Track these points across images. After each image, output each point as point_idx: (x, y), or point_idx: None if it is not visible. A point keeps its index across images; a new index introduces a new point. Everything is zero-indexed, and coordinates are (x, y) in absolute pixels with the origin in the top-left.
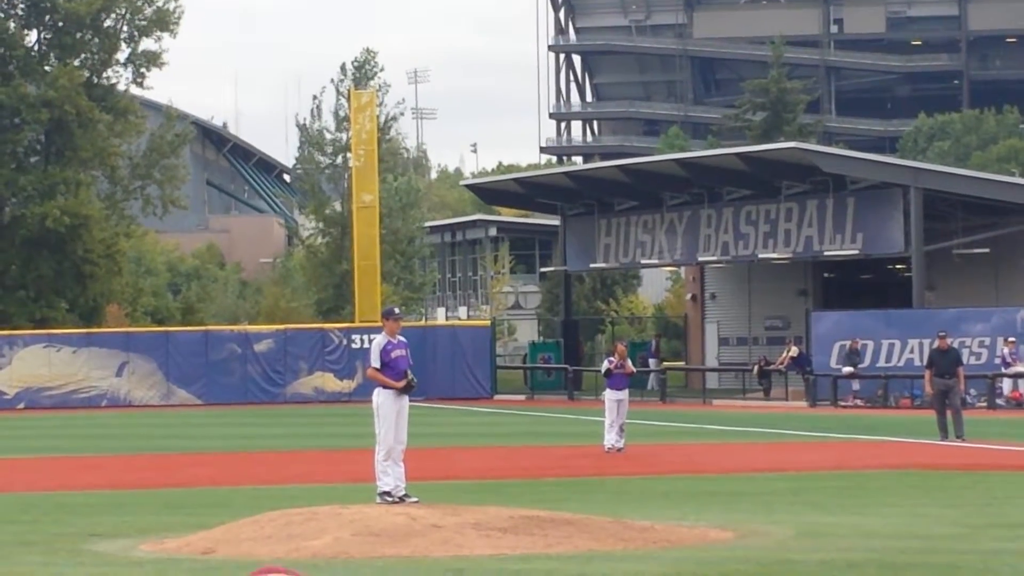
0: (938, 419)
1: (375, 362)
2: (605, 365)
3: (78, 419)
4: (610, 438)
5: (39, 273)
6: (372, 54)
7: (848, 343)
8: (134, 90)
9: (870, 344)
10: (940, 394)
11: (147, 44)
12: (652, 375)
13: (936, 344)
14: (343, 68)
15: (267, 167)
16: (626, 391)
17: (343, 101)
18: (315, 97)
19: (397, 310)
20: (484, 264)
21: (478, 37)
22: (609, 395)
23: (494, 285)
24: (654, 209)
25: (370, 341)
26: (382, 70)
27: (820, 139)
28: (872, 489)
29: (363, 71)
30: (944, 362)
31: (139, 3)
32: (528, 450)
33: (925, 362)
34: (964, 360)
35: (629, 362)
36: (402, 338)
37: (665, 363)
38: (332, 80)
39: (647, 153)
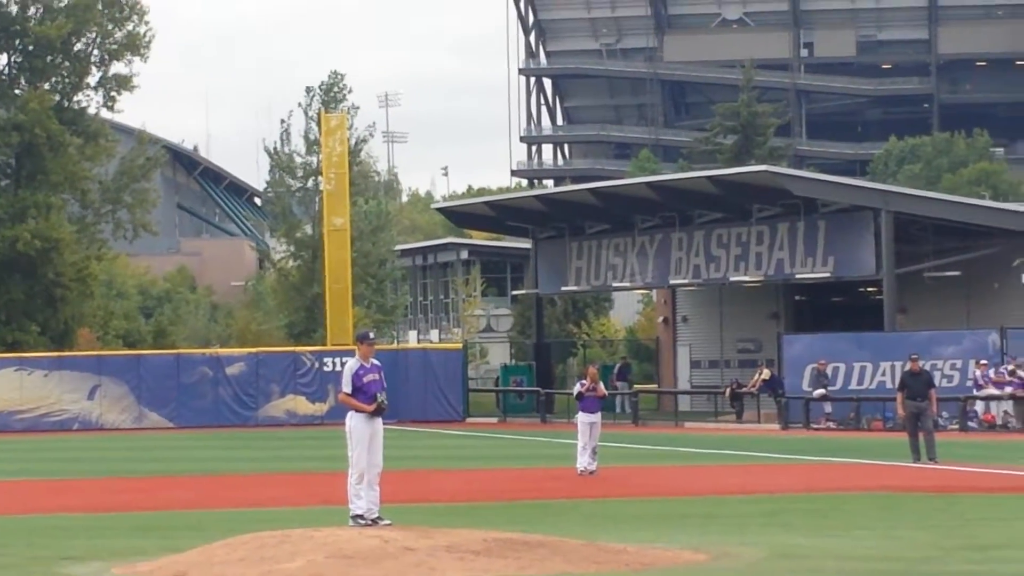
0: (910, 441)
1: (346, 387)
2: (577, 388)
3: (50, 443)
4: (583, 461)
5: (10, 296)
6: (339, 76)
7: (814, 366)
8: (105, 114)
9: (842, 367)
10: (912, 416)
11: (118, 68)
12: (622, 398)
13: (908, 367)
14: (309, 91)
15: (238, 190)
16: (598, 414)
17: (312, 125)
18: (283, 121)
19: (372, 334)
20: (456, 287)
21: (449, 60)
22: (581, 418)
23: (466, 308)
24: (625, 232)
25: (342, 364)
26: (350, 92)
27: (791, 162)
28: (845, 511)
29: (331, 94)
30: (916, 385)
31: (110, 27)
32: (501, 473)
33: (897, 384)
34: (936, 382)
35: (601, 385)
36: (376, 362)
37: (637, 386)
38: (300, 104)
39: (618, 176)
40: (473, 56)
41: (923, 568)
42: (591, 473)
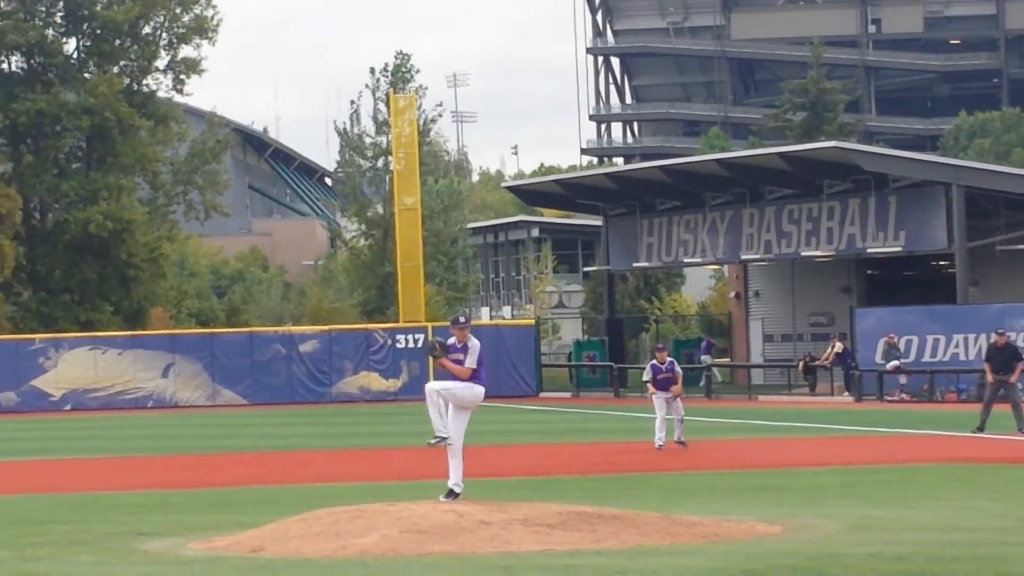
0: (983, 411)
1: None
2: (648, 374)
3: (124, 420)
4: (659, 436)
5: (83, 277)
6: (406, 57)
7: (884, 339)
8: (175, 97)
9: (915, 339)
10: (994, 388)
11: (186, 51)
12: (714, 369)
13: (994, 340)
14: (373, 72)
15: (308, 171)
16: (671, 391)
17: (381, 105)
18: (352, 102)
19: (462, 318)
20: (527, 264)
21: (516, 40)
22: (658, 395)
23: (537, 285)
24: (696, 209)
25: (415, 341)
26: (418, 72)
27: (860, 138)
28: (919, 483)
29: (399, 74)
30: (1001, 358)
31: (177, 11)
32: (574, 447)
33: (984, 356)
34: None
35: (677, 368)
36: (472, 342)
37: (709, 360)
38: (367, 85)
39: (688, 154)
40: (540, 35)
41: (998, 538)
42: (682, 444)
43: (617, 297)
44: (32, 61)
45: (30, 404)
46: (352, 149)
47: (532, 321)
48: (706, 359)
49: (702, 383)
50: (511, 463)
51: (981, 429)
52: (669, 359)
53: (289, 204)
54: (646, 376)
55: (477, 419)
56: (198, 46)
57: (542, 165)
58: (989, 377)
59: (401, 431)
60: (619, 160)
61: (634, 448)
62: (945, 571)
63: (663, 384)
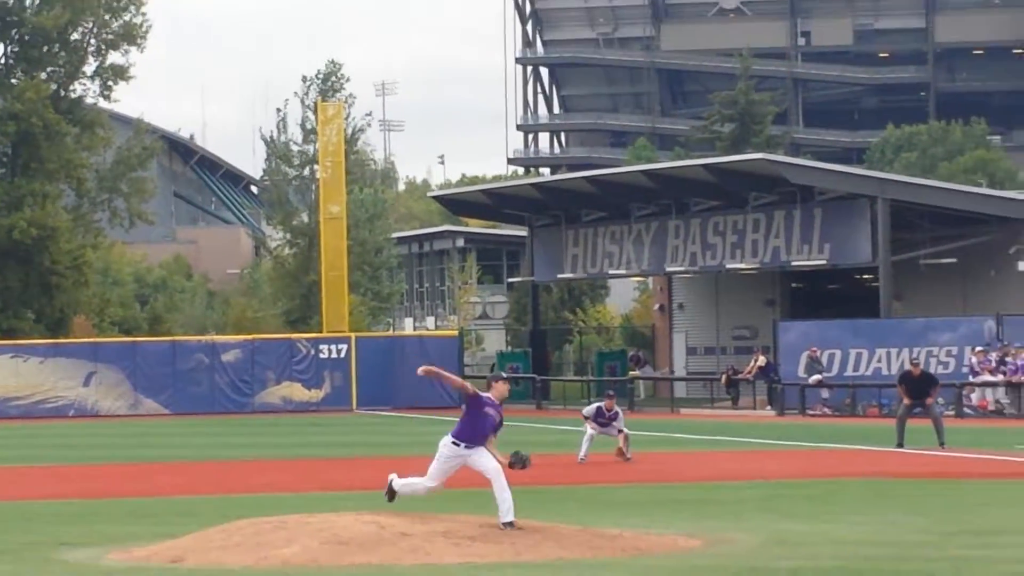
0: (898, 426)
1: (471, 388)
2: (591, 411)
3: (45, 429)
4: (584, 450)
5: (6, 284)
6: (337, 66)
7: (807, 352)
8: (101, 103)
9: (838, 353)
10: (908, 408)
11: (114, 58)
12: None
13: (908, 369)
14: (306, 80)
15: (234, 178)
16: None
17: (309, 114)
18: (279, 110)
19: (505, 375)
20: (451, 275)
21: (446, 49)
22: (591, 426)
23: (461, 295)
24: (622, 220)
25: (337, 351)
26: (348, 81)
27: (788, 150)
28: (841, 497)
29: (328, 83)
30: (917, 388)
31: (106, 17)
32: None
33: (898, 379)
34: (932, 369)
35: (621, 420)
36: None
37: (632, 373)
38: (296, 93)
39: (614, 164)
40: (470, 45)
41: (920, 553)
42: (627, 459)
43: (541, 308)
44: None
45: None
46: (278, 157)
47: (456, 332)
48: (646, 370)
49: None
50: None
51: (901, 445)
52: (616, 409)
53: (214, 212)
54: (587, 413)
55: (399, 431)
56: (126, 52)
57: (465, 175)
58: (906, 399)
59: (323, 442)
60: (546, 170)
61: (556, 461)
62: None
63: (602, 424)
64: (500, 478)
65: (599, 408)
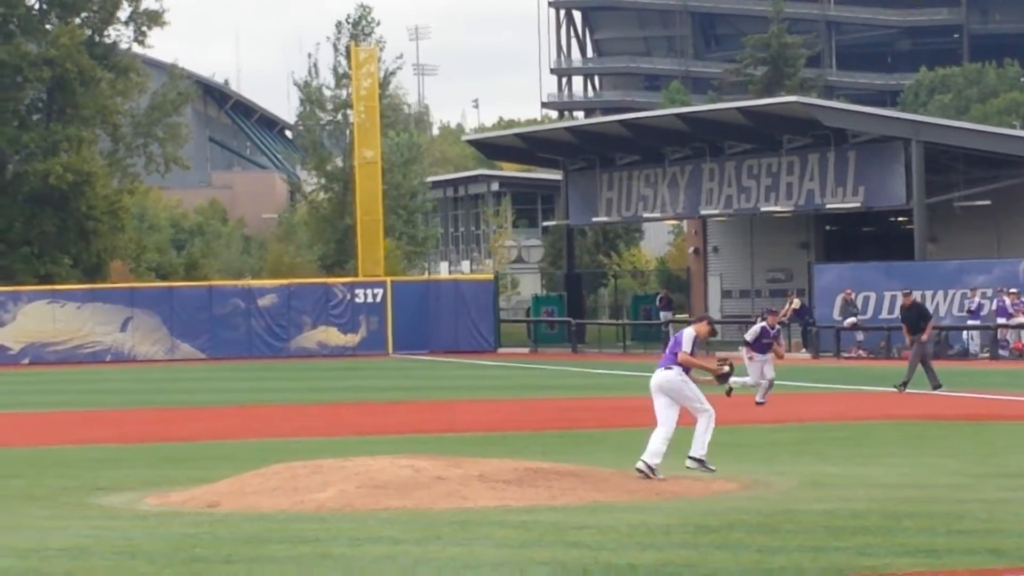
0: (925, 367)
1: (687, 347)
2: (754, 334)
3: (83, 374)
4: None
5: (42, 230)
6: (367, 10)
7: (842, 295)
8: (136, 49)
9: (872, 296)
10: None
11: (148, 2)
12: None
13: (901, 301)
14: (338, 25)
15: (269, 123)
16: (769, 354)
17: (341, 58)
18: (310, 55)
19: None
20: (486, 219)
21: None
22: (756, 356)
23: (496, 239)
24: (656, 163)
25: (373, 296)
26: (379, 24)
27: (821, 93)
28: (875, 440)
29: (360, 27)
30: (909, 318)
31: None
32: (532, 403)
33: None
34: (965, 310)
35: (781, 336)
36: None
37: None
38: (328, 37)
39: (648, 108)
40: None
41: (953, 495)
42: (759, 404)
43: (576, 252)
44: None
45: None
46: (312, 102)
47: (491, 276)
48: (666, 315)
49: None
50: (468, 419)
51: (905, 384)
52: (778, 326)
53: (249, 157)
54: (749, 337)
55: (436, 375)
56: None
57: (501, 119)
58: (908, 340)
59: (359, 386)
60: (580, 114)
61: (591, 405)
62: (898, 527)
63: (763, 348)
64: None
65: (763, 328)
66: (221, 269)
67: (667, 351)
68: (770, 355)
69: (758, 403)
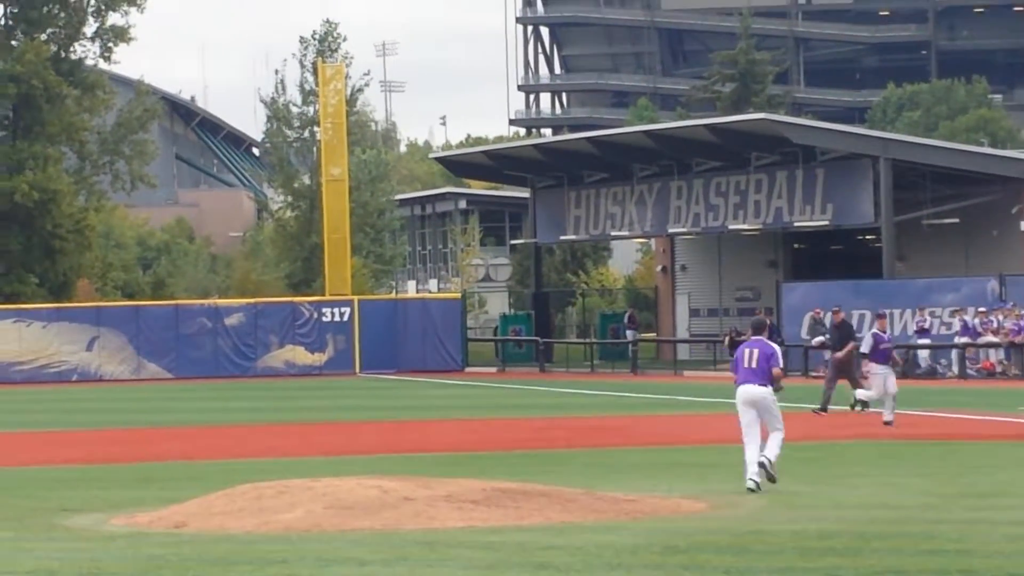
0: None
1: (783, 363)
2: (870, 343)
3: (49, 394)
4: (887, 413)
5: (8, 248)
6: (333, 26)
7: (810, 314)
8: (102, 65)
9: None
10: (833, 366)
11: (114, 18)
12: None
13: (831, 317)
14: (302, 41)
15: (236, 141)
16: (890, 364)
17: (308, 75)
18: (277, 71)
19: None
20: (454, 237)
21: (447, 9)
22: (876, 369)
23: (464, 257)
24: (624, 181)
25: (340, 315)
26: (345, 40)
27: (789, 110)
28: (844, 459)
29: (326, 43)
30: (834, 336)
31: None
32: (500, 422)
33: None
34: (935, 329)
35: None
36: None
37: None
38: (294, 54)
39: (616, 125)
40: (471, 4)
41: (923, 515)
42: (886, 423)
43: (544, 270)
44: None
45: None
46: (278, 119)
47: (458, 295)
48: (631, 334)
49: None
50: (436, 439)
51: (823, 410)
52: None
53: (216, 175)
54: (866, 348)
55: (403, 394)
56: (126, 13)
57: (469, 136)
58: (830, 354)
59: (326, 406)
60: (547, 131)
61: (559, 424)
62: (868, 548)
63: (883, 356)
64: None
65: (875, 335)
66: (188, 288)
67: (754, 365)
68: (891, 366)
69: (886, 423)
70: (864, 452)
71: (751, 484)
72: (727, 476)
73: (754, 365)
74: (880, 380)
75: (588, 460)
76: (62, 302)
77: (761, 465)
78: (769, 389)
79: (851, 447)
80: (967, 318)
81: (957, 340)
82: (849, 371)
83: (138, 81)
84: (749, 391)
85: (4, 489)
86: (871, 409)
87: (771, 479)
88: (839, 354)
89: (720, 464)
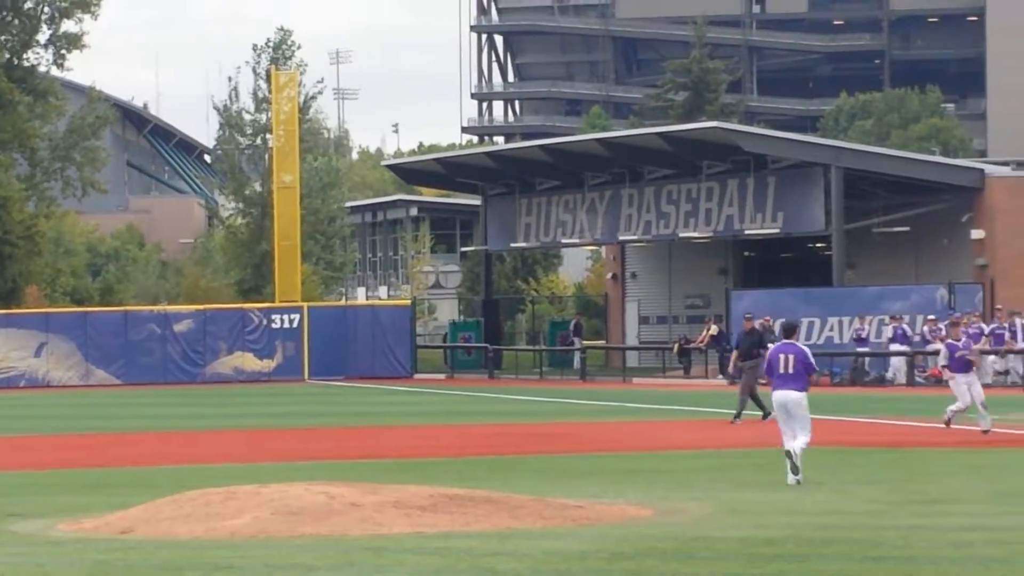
0: (746, 400)
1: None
2: (945, 352)
3: None
4: (984, 422)
5: None
6: (287, 33)
7: (759, 321)
8: (55, 72)
9: None
10: (743, 373)
11: (68, 26)
12: (576, 354)
13: (743, 325)
14: (256, 48)
15: (188, 148)
16: (975, 373)
17: (261, 82)
18: (231, 79)
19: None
20: (405, 244)
21: (402, 17)
22: (959, 379)
23: (414, 265)
24: (575, 189)
25: (290, 321)
26: (299, 48)
27: (742, 118)
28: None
29: (280, 51)
30: (746, 344)
31: None
32: (449, 429)
33: (735, 342)
34: (879, 337)
35: (972, 344)
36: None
37: (585, 342)
38: (247, 61)
39: (569, 133)
40: (425, 13)
41: (871, 522)
42: (984, 432)
43: (494, 278)
44: None
45: None
46: (231, 126)
47: (408, 302)
48: (576, 341)
49: (576, 365)
50: (385, 445)
51: (766, 415)
52: (964, 338)
53: (167, 182)
54: (943, 360)
55: (352, 400)
56: (80, 20)
57: (421, 144)
58: (730, 367)
59: (274, 412)
60: (500, 139)
61: (508, 431)
62: (814, 554)
63: (962, 366)
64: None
65: (949, 345)
66: (137, 295)
67: (790, 371)
68: (974, 373)
69: (984, 432)
70: (812, 459)
71: (791, 481)
72: (674, 483)
73: (790, 371)
74: (964, 389)
75: (536, 467)
76: (10, 308)
77: (788, 455)
78: (803, 394)
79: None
80: (904, 326)
81: (892, 348)
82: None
83: (90, 88)
84: (785, 396)
85: None
86: (956, 420)
87: (795, 471)
88: (744, 363)
89: (668, 470)
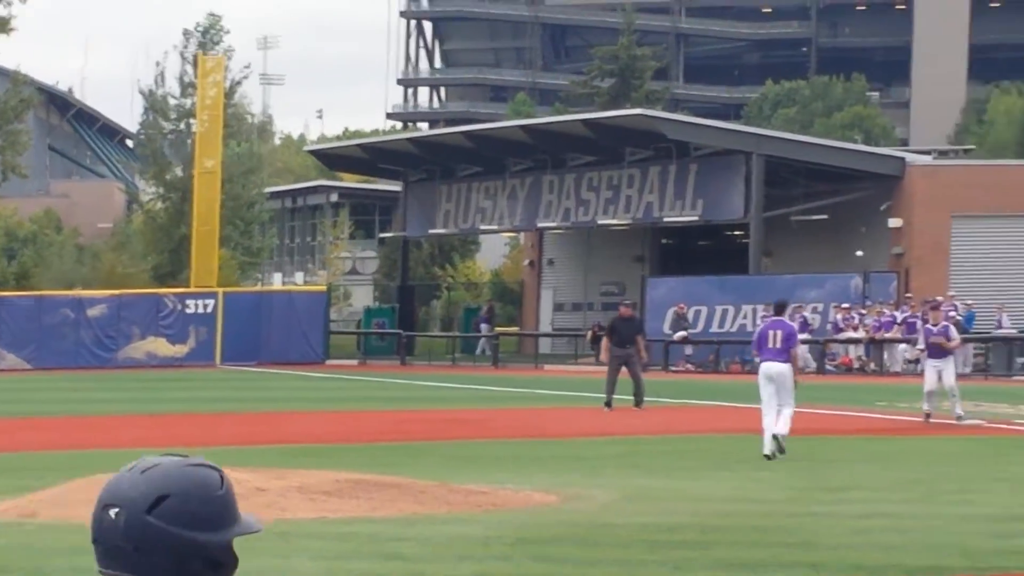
0: (608, 387)
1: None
2: (923, 336)
3: None
4: (928, 404)
5: None
6: (217, 19)
7: (674, 308)
8: None
9: (703, 310)
10: (616, 362)
11: None
12: (483, 340)
13: (619, 312)
14: (186, 33)
15: (110, 132)
16: (949, 358)
17: (188, 67)
18: (158, 63)
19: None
20: (323, 230)
21: (329, 2)
22: (929, 362)
23: (332, 250)
24: (497, 175)
25: (204, 307)
26: (227, 33)
27: (667, 106)
28: (701, 454)
29: (208, 35)
30: (625, 331)
31: None
32: (359, 415)
33: (607, 330)
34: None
35: (952, 330)
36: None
37: (499, 328)
38: (175, 46)
39: (494, 119)
40: None
41: (777, 509)
42: (959, 419)
43: (412, 264)
44: None
45: None
46: (156, 111)
47: (324, 288)
48: (485, 328)
49: (479, 351)
50: (294, 431)
51: (609, 405)
52: (944, 323)
53: (89, 166)
54: (920, 344)
55: (264, 386)
56: (8, 4)
57: (346, 130)
58: (603, 355)
59: (185, 397)
60: (424, 125)
61: (418, 417)
62: (717, 541)
63: (935, 352)
64: None
65: (926, 330)
66: (53, 279)
67: (778, 345)
68: (949, 359)
69: (957, 418)
70: (721, 446)
71: (768, 452)
72: (583, 469)
73: (778, 345)
74: (933, 373)
75: (446, 452)
76: None
77: (775, 438)
78: (788, 367)
79: (707, 440)
80: (806, 314)
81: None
82: (633, 366)
83: (15, 71)
84: (771, 367)
85: None
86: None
87: (781, 450)
88: (617, 351)
89: (576, 456)
